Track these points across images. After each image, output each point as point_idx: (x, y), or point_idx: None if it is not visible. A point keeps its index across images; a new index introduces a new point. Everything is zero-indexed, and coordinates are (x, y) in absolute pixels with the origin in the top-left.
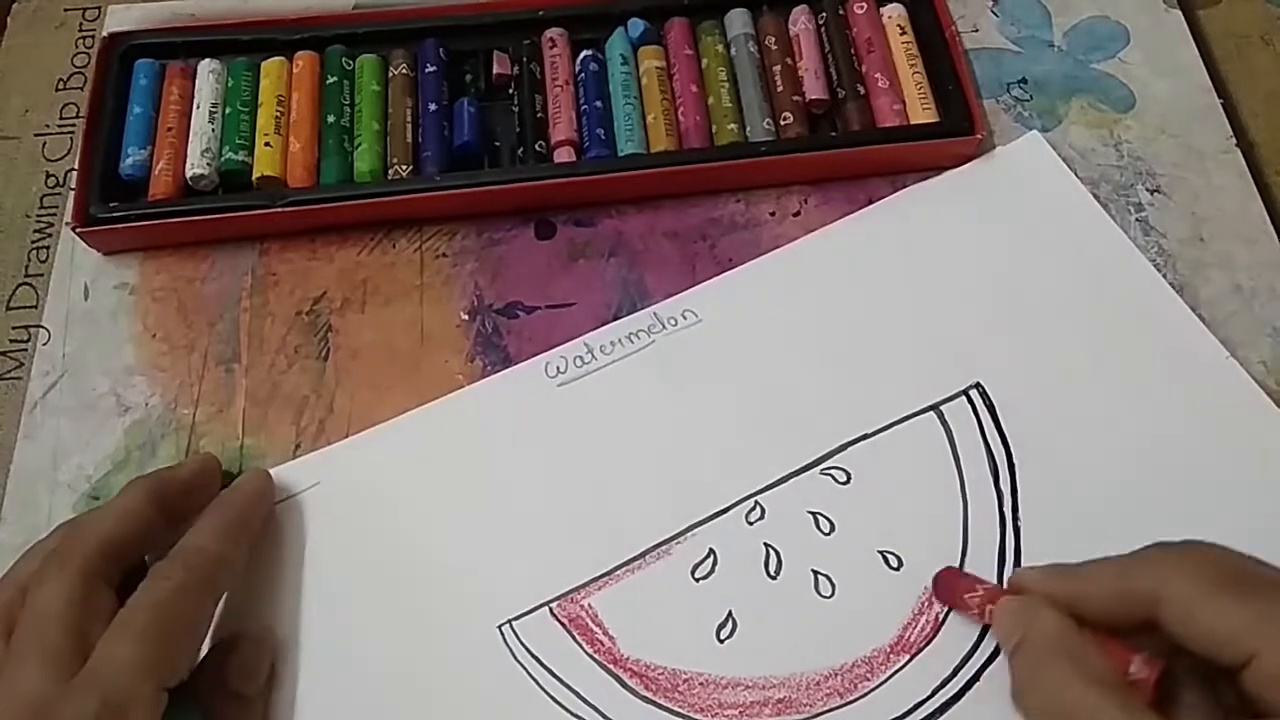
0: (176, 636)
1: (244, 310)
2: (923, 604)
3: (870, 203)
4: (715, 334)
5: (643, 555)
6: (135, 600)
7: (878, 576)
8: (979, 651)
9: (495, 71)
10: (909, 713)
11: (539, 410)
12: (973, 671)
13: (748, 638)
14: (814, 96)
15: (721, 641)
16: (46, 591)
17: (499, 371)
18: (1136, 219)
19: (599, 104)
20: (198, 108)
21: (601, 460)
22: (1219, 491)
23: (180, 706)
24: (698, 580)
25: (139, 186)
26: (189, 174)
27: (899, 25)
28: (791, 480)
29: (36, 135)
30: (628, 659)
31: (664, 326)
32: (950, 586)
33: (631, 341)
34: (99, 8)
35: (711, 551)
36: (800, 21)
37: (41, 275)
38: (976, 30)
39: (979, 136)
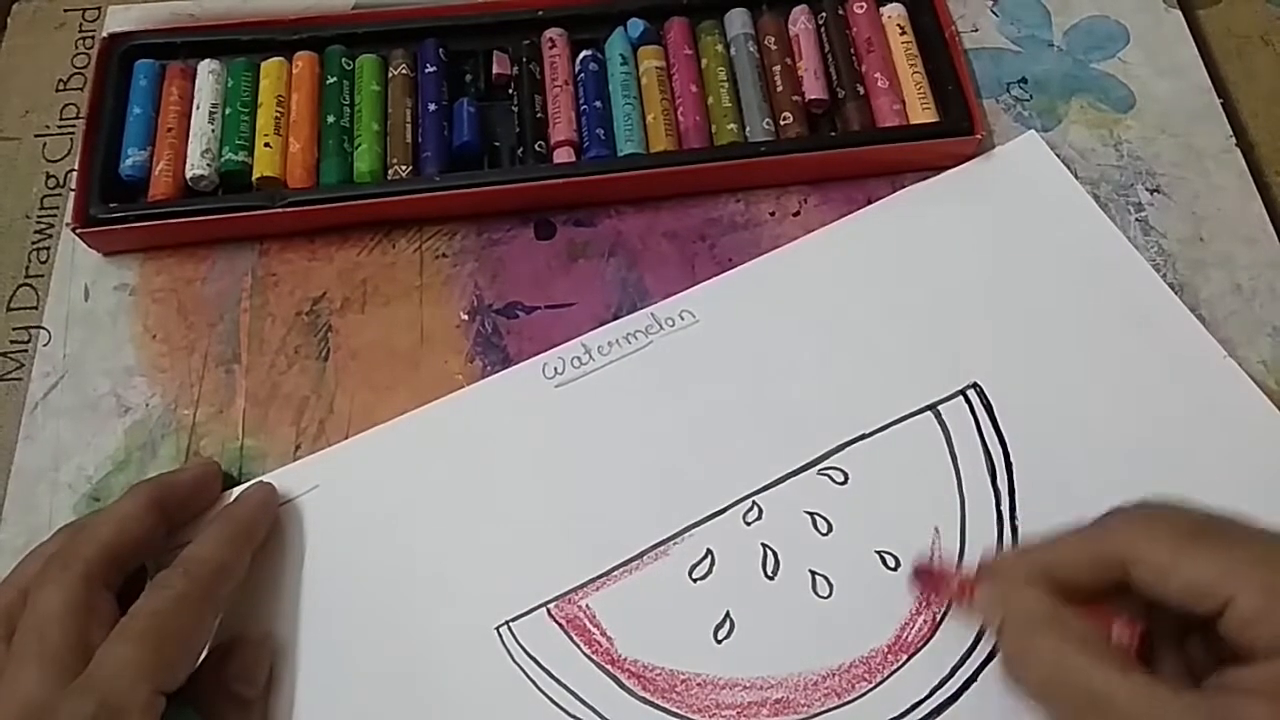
0: (176, 643)
1: (244, 311)
2: (920, 604)
3: (870, 202)
4: (713, 334)
5: (640, 556)
6: (137, 607)
7: (875, 577)
8: (977, 651)
9: (495, 71)
10: (907, 713)
11: (537, 411)
12: (970, 671)
13: (745, 638)
14: (813, 96)
15: (719, 642)
16: (47, 595)
17: (499, 372)
18: (1136, 219)
19: (598, 104)
20: (197, 108)
21: (599, 461)
22: (1218, 491)
23: (179, 709)
24: (695, 581)
25: (139, 187)
26: (189, 174)
27: (899, 25)
28: (789, 480)
29: (37, 136)
30: (625, 660)
31: (662, 327)
32: (929, 575)
33: (629, 342)
34: (99, 8)
35: (709, 552)
36: (800, 21)
37: (42, 276)
38: (976, 30)
39: (979, 136)
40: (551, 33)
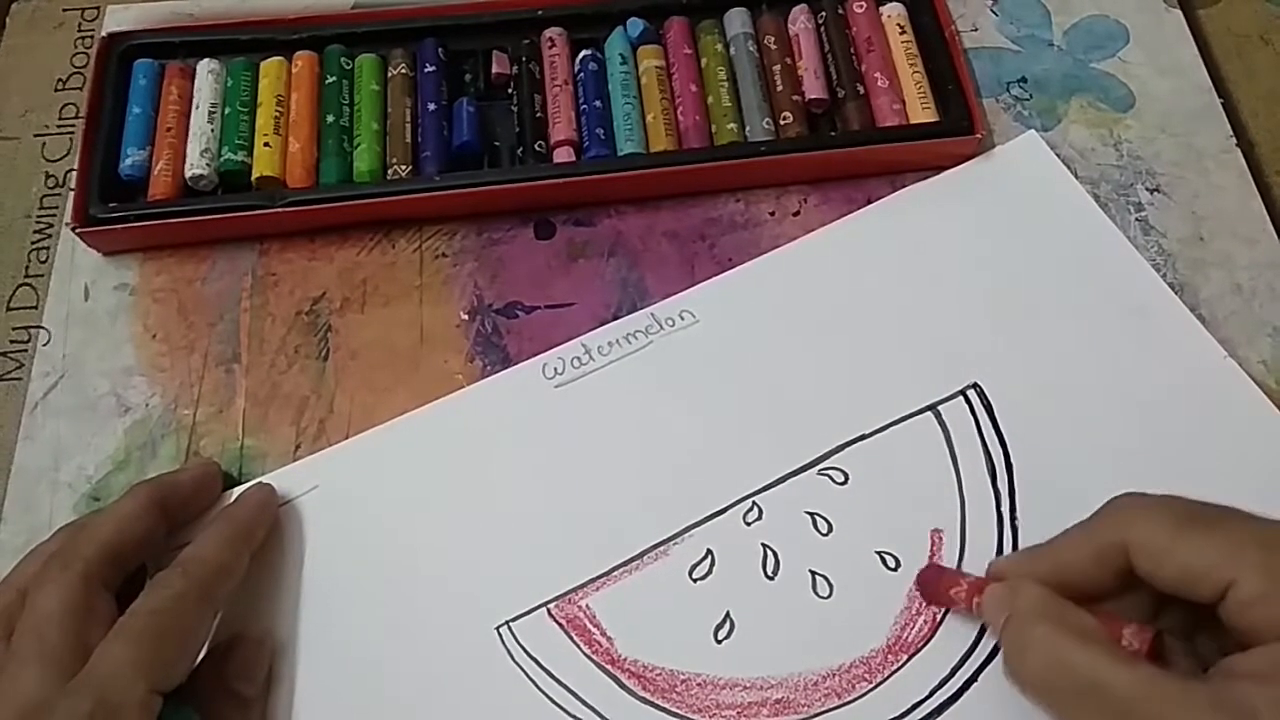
0: (173, 642)
1: (244, 310)
2: (920, 604)
3: (869, 202)
4: (713, 334)
5: (640, 556)
6: (136, 606)
7: (875, 577)
8: (977, 652)
9: (494, 71)
10: (907, 713)
11: (537, 412)
12: (970, 672)
13: (745, 638)
14: (813, 96)
15: (719, 642)
16: (47, 594)
17: (499, 372)
18: (1136, 218)
19: (598, 104)
20: (197, 108)
21: (599, 461)
22: (1218, 491)
23: (179, 708)
24: (695, 581)
25: (138, 187)
26: (188, 174)
27: (898, 24)
28: (789, 480)
29: (36, 136)
30: (625, 660)
31: (662, 327)
32: (934, 584)
33: (629, 342)
34: (98, 8)
35: (709, 552)
36: (799, 21)
37: (41, 276)
38: (976, 29)
39: (978, 136)
40: (551, 32)
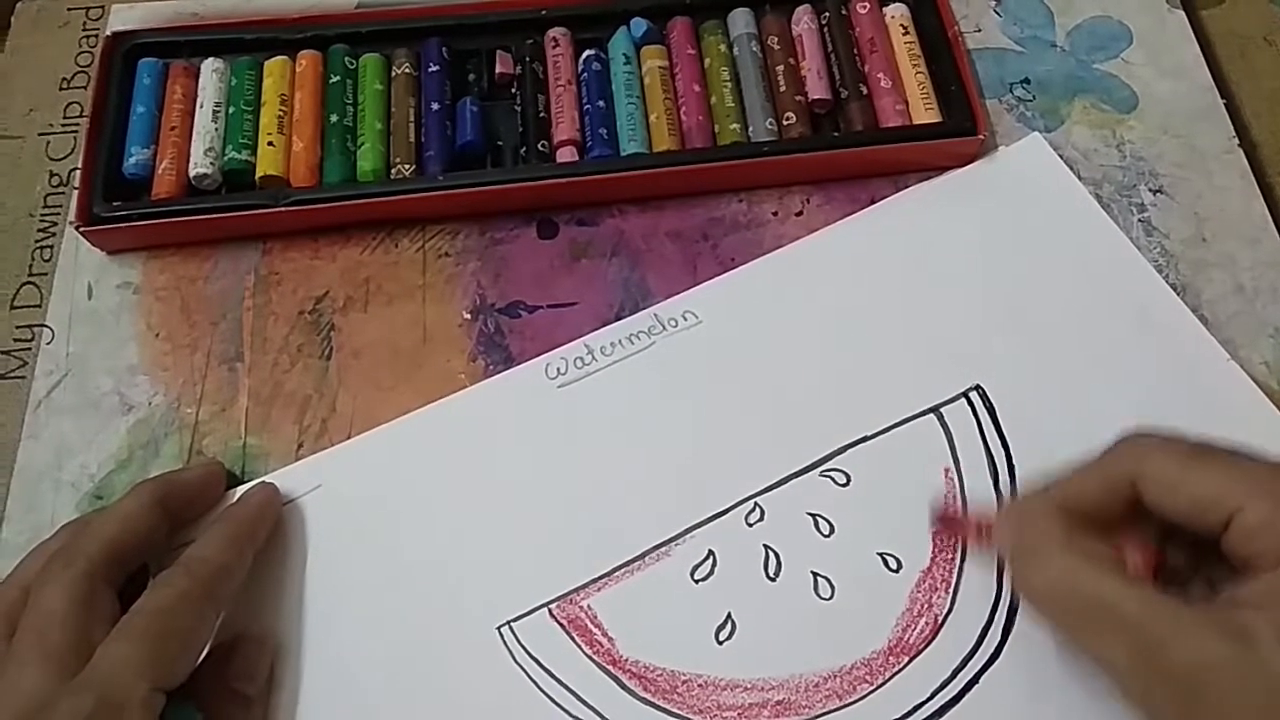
0: (176, 641)
1: (247, 309)
2: (922, 606)
3: (873, 203)
4: (715, 335)
5: (642, 556)
6: (138, 605)
7: (877, 578)
8: (978, 653)
9: (498, 71)
10: (908, 715)
11: (539, 412)
12: (972, 673)
13: (747, 639)
14: (817, 96)
15: (721, 643)
16: (49, 592)
17: (501, 371)
18: (1139, 219)
19: (601, 104)
20: (201, 107)
21: (601, 461)
22: None
23: (181, 706)
24: (697, 581)
25: (142, 186)
26: (192, 173)
27: (902, 25)
28: (791, 482)
29: (40, 134)
30: (627, 660)
31: (664, 328)
32: (949, 520)
33: (632, 343)
34: (102, 7)
35: (711, 553)
36: (803, 21)
37: (45, 274)
38: (979, 30)
39: (981, 137)
40: (555, 32)
